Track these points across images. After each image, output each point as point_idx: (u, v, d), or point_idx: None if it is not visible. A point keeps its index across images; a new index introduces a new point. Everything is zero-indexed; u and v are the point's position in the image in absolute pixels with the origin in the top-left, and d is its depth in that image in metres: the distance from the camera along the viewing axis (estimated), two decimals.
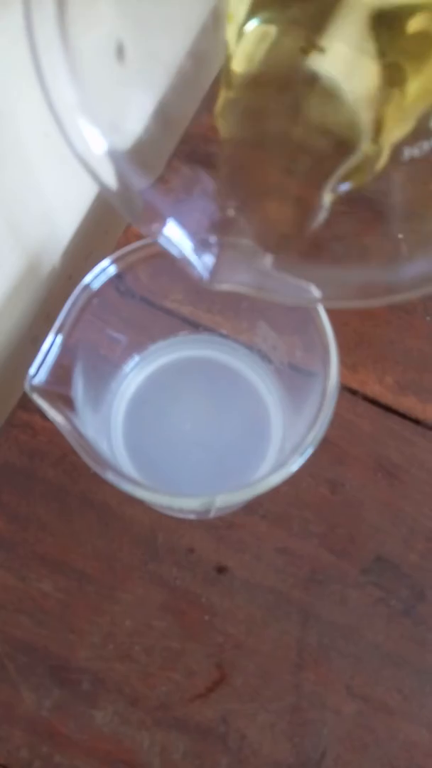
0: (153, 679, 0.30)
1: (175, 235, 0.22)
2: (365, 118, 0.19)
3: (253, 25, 0.19)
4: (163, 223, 0.21)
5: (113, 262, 0.26)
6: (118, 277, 0.26)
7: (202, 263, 0.22)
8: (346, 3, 0.17)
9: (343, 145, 0.20)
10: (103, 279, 0.26)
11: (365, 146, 0.20)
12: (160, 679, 0.30)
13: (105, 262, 0.26)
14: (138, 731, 0.29)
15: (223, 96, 0.21)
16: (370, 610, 0.31)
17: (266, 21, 0.19)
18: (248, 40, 0.19)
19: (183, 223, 0.21)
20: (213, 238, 0.22)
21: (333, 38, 0.18)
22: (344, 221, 0.22)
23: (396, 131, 0.19)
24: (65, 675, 0.30)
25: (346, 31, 0.18)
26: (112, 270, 0.26)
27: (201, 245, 0.22)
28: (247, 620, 0.31)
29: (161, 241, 0.21)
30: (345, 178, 0.21)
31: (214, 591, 0.31)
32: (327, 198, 0.21)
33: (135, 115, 0.21)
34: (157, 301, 0.31)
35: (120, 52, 0.19)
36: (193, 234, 0.22)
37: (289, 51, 0.19)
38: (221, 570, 0.31)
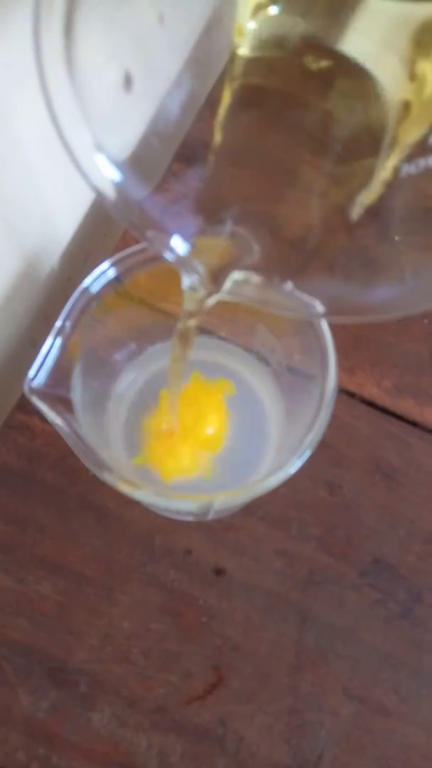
0: (151, 681, 0.30)
1: (173, 244, 0.22)
2: (393, 116, 0.19)
3: (270, 11, 0.18)
4: (159, 230, 0.21)
5: (112, 265, 0.26)
6: (117, 279, 0.26)
7: (200, 274, 0.22)
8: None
9: (371, 147, 0.20)
10: (102, 282, 0.26)
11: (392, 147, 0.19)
12: (158, 681, 0.30)
13: (104, 265, 0.26)
14: (135, 733, 0.29)
15: (226, 101, 0.21)
16: (368, 612, 0.31)
17: (285, 11, 0.18)
18: (263, 24, 0.19)
19: (180, 232, 0.21)
20: (210, 243, 0.22)
21: (357, 33, 0.18)
22: (349, 236, 0.22)
23: (413, 132, 0.19)
24: (63, 677, 0.30)
25: (374, 28, 0.17)
26: (112, 273, 0.26)
27: (199, 253, 0.22)
28: (244, 622, 0.31)
29: (162, 252, 0.21)
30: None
31: (212, 593, 0.31)
32: (356, 211, 0.21)
33: (135, 129, 0.22)
34: (155, 304, 0.31)
35: (128, 81, 0.19)
36: (190, 242, 0.22)
37: (301, 50, 0.19)
38: (219, 572, 0.31)
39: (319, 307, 0.21)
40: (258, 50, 0.20)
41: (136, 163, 0.21)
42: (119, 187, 0.20)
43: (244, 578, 0.31)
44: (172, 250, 0.21)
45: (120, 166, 0.20)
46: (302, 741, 0.29)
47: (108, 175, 0.19)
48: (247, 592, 0.31)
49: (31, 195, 0.32)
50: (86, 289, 0.26)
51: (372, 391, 0.35)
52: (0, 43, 0.24)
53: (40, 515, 0.32)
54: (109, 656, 0.30)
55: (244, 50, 0.19)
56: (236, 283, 0.22)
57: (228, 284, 0.22)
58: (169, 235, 0.21)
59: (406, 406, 0.34)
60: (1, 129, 0.27)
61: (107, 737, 0.29)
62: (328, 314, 0.21)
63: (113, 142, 0.19)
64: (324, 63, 0.19)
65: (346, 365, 0.35)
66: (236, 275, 0.22)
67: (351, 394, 0.34)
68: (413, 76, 0.18)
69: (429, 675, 0.30)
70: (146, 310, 0.31)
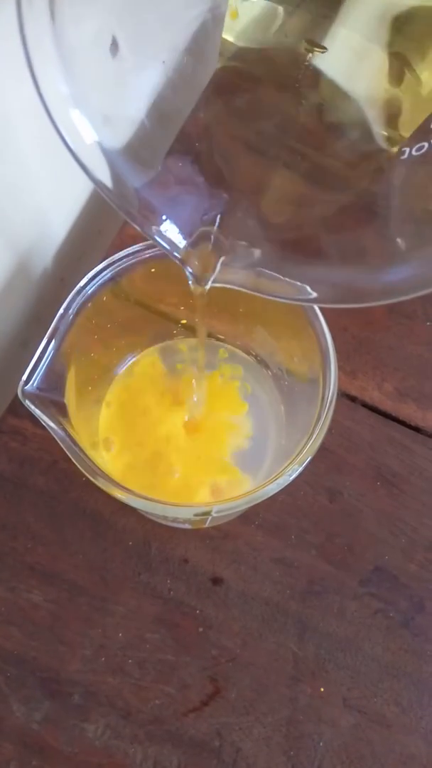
0: (146, 692, 0.29)
1: (169, 232, 0.21)
2: (372, 113, 0.19)
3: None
4: (157, 220, 0.21)
5: (108, 266, 0.25)
6: (113, 280, 0.26)
7: (195, 260, 0.21)
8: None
9: (361, 135, 0.19)
10: (97, 283, 0.25)
11: (379, 141, 0.19)
12: (154, 692, 0.29)
13: (100, 266, 0.25)
14: (130, 745, 0.28)
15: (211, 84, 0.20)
16: (369, 622, 0.30)
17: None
18: (249, 11, 0.18)
19: (176, 220, 0.21)
20: (206, 235, 0.21)
21: (343, 26, 0.17)
22: (342, 222, 0.22)
23: (417, 118, 0.19)
24: (56, 687, 0.29)
25: (359, 21, 0.17)
26: (107, 274, 0.25)
27: (194, 242, 0.22)
28: (242, 632, 0.30)
29: (155, 238, 0.21)
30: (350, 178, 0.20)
31: (209, 603, 0.30)
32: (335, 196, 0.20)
33: (130, 111, 0.21)
34: (152, 305, 0.30)
35: (114, 46, 0.19)
36: (186, 231, 0.21)
37: (293, 39, 0.18)
38: (216, 581, 0.31)
39: (311, 292, 0.21)
40: (247, 37, 0.19)
41: (133, 151, 0.20)
42: (116, 174, 0.19)
43: (242, 587, 0.30)
44: (169, 241, 0.21)
45: (116, 153, 0.19)
46: (300, 753, 0.29)
47: (84, 134, 0.18)
48: (245, 601, 0.30)
49: (24, 193, 0.31)
50: (81, 290, 0.25)
51: (373, 395, 0.34)
52: None
53: (32, 522, 0.31)
54: (103, 667, 0.29)
55: (232, 35, 0.19)
56: (226, 269, 0.22)
57: (215, 272, 0.22)
58: (165, 223, 0.21)
59: (408, 410, 0.34)
60: None
61: (102, 749, 0.28)
62: (320, 300, 0.21)
63: (99, 107, 0.18)
64: (311, 57, 0.18)
65: (347, 368, 0.34)
66: (223, 260, 0.22)
67: (352, 398, 0.34)
68: (398, 69, 0.17)
69: (430, 685, 0.30)
70: (141, 311, 0.30)
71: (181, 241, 0.22)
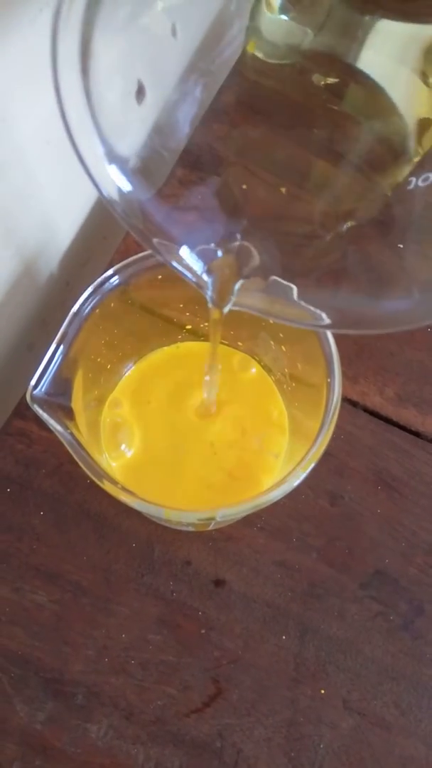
0: (148, 693, 0.29)
1: (187, 258, 0.21)
2: (411, 121, 0.19)
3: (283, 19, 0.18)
4: (176, 248, 0.21)
5: (116, 272, 0.26)
6: (121, 287, 0.26)
7: (211, 284, 0.21)
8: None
9: (386, 158, 0.19)
10: (106, 289, 0.25)
11: (413, 153, 0.19)
12: (156, 693, 0.29)
13: (108, 273, 0.25)
14: (133, 745, 0.29)
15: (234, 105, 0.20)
16: (369, 624, 0.31)
17: (297, 21, 0.18)
18: (276, 28, 0.19)
19: (195, 246, 0.21)
20: (221, 260, 0.22)
21: (370, 48, 0.18)
22: (356, 249, 0.22)
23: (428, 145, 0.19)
24: (59, 688, 0.29)
25: (387, 45, 0.17)
26: (116, 280, 0.26)
27: (212, 267, 0.22)
28: (244, 634, 0.30)
29: (172, 263, 0.21)
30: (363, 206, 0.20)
31: (211, 604, 0.30)
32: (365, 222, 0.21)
33: (138, 130, 0.21)
34: (158, 311, 0.31)
35: (140, 93, 0.19)
36: (204, 256, 0.21)
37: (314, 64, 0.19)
38: (218, 583, 0.31)
39: (326, 319, 0.21)
40: (270, 55, 0.19)
41: (140, 168, 0.20)
42: (122, 188, 0.19)
43: (244, 590, 0.31)
44: (187, 266, 0.21)
45: (126, 171, 0.19)
46: (301, 754, 0.29)
47: (120, 185, 0.19)
48: (247, 603, 0.31)
49: (32, 198, 0.31)
50: (90, 296, 0.25)
51: (375, 400, 0.34)
52: (2, 51, 0.24)
53: (37, 523, 0.31)
54: (106, 668, 0.29)
55: (257, 53, 0.19)
56: (242, 293, 0.22)
57: (233, 296, 0.22)
58: (178, 245, 0.21)
59: (409, 415, 0.34)
60: (3, 133, 0.26)
61: (104, 749, 0.29)
62: (334, 326, 0.21)
63: (123, 151, 0.19)
64: (332, 79, 0.18)
65: (349, 374, 0.34)
66: (241, 285, 0.22)
67: (353, 403, 0.34)
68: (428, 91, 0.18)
69: (429, 688, 0.30)
70: (147, 316, 0.30)
71: (199, 267, 0.22)
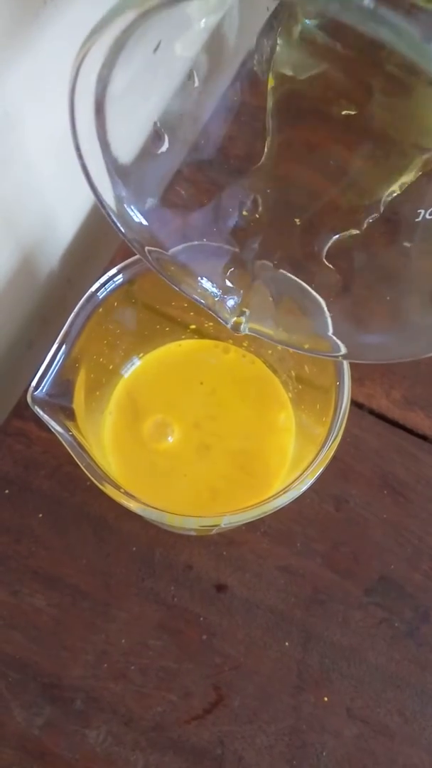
0: (148, 699, 0.29)
1: (203, 285, 0.21)
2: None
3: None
4: (194, 279, 0.21)
5: (120, 271, 0.25)
6: (124, 285, 0.25)
7: (229, 310, 0.21)
8: None
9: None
10: (109, 288, 0.25)
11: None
12: (156, 699, 0.29)
13: (112, 271, 0.25)
14: (132, 752, 0.28)
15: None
16: (373, 631, 0.30)
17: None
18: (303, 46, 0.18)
19: (208, 274, 0.21)
20: (238, 289, 0.22)
21: None
22: (365, 282, 0.22)
23: None
24: (58, 693, 0.29)
25: None
26: (119, 279, 0.25)
27: (227, 293, 0.22)
28: (246, 640, 0.30)
29: (190, 294, 0.21)
30: None
31: (213, 610, 0.30)
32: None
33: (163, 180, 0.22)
34: (161, 310, 0.30)
35: (158, 139, 0.20)
36: (217, 282, 0.21)
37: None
38: (220, 588, 0.30)
39: (343, 350, 0.21)
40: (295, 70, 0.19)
41: (137, 174, 0.20)
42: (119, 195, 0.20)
43: (246, 595, 0.30)
44: (203, 294, 0.21)
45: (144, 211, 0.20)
46: (303, 762, 0.29)
47: (139, 223, 0.20)
48: (249, 609, 0.30)
49: (33, 194, 0.30)
50: (93, 295, 0.24)
51: (381, 403, 0.34)
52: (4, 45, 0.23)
53: (36, 525, 0.31)
54: (105, 673, 0.29)
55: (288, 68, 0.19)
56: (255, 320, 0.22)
57: (248, 321, 0.22)
58: (201, 280, 0.21)
59: (416, 418, 0.33)
60: (3, 129, 0.25)
61: (103, 755, 0.28)
62: (349, 357, 0.22)
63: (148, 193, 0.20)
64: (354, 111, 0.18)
65: (355, 375, 0.33)
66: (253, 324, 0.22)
67: (359, 406, 0.34)
68: None
69: None
70: (151, 315, 0.30)
71: (213, 291, 0.22)
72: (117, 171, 0.19)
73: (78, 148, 0.17)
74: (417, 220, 0.18)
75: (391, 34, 0.11)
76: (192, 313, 0.30)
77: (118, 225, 0.20)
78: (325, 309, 0.22)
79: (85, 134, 0.17)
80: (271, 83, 0.19)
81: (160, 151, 0.20)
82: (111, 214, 0.19)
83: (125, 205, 0.20)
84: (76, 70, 0.15)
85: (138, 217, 0.20)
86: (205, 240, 0.22)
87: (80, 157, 0.17)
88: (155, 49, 0.16)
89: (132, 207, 0.20)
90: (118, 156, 0.18)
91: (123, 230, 0.20)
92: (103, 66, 0.15)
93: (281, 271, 0.22)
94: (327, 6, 0.11)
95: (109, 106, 0.16)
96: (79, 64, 0.15)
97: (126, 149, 0.19)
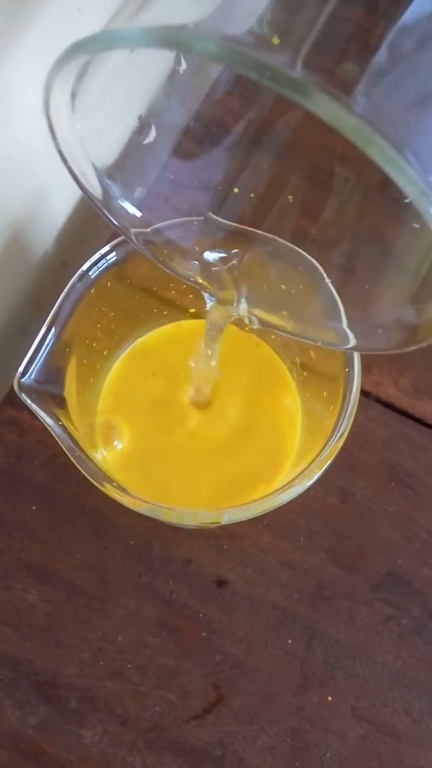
0: (146, 698, 0.28)
1: (194, 264, 0.22)
2: None
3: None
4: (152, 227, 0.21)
5: (113, 248, 0.24)
6: (118, 265, 0.24)
7: (219, 285, 0.21)
8: None
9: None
10: (101, 267, 0.23)
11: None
12: (154, 698, 0.28)
13: (104, 249, 0.23)
14: (129, 753, 0.27)
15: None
16: (380, 629, 0.29)
17: None
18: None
19: (193, 247, 0.21)
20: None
21: None
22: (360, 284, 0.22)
23: None
24: (52, 691, 0.28)
25: None
26: (112, 258, 0.23)
27: (218, 267, 0.22)
28: (247, 638, 0.29)
29: (181, 273, 0.22)
30: None
31: (213, 606, 0.29)
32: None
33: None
34: (159, 292, 0.29)
35: (145, 129, 0.20)
36: (208, 258, 0.21)
37: None
38: (221, 583, 0.29)
39: (352, 341, 0.21)
40: None
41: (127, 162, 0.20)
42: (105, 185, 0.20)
43: (248, 591, 0.29)
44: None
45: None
46: (306, 764, 0.28)
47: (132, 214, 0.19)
48: (251, 605, 0.29)
49: (24, 172, 0.29)
50: (84, 274, 0.23)
51: (389, 391, 0.32)
52: None
53: (29, 518, 0.30)
54: (101, 671, 0.28)
55: None
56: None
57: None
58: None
59: (425, 407, 0.32)
60: None
61: (99, 756, 0.27)
62: (358, 348, 0.21)
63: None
64: None
65: (362, 362, 0.32)
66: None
67: (366, 394, 0.32)
68: None
69: None
70: (147, 298, 0.28)
71: (207, 265, 0.22)
72: (104, 170, 0.19)
73: (61, 153, 0.18)
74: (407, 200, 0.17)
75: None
76: (191, 296, 0.29)
77: (110, 218, 0.20)
78: (322, 271, 0.21)
79: (66, 137, 0.17)
80: None
81: (146, 142, 0.20)
82: (101, 208, 0.19)
83: (117, 201, 0.19)
84: (47, 98, 0.15)
85: (130, 209, 0.20)
86: (194, 219, 0.21)
87: (64, 161, 0.18)
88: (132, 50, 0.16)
89: (122, 200, 0.20)
90: (103, 153, 0.18)
91: (116, 222, 0.20)
92: (75, 80, 0.15)
93: (275, 237, 0.22)
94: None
95: (87, 108, 0.16)
96: (47, 97, 0.15)
97: (111, 145, 0.18)
